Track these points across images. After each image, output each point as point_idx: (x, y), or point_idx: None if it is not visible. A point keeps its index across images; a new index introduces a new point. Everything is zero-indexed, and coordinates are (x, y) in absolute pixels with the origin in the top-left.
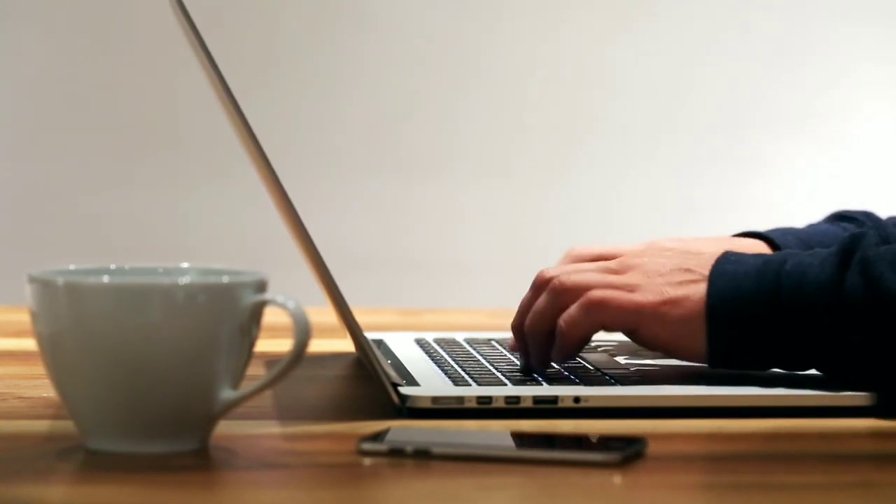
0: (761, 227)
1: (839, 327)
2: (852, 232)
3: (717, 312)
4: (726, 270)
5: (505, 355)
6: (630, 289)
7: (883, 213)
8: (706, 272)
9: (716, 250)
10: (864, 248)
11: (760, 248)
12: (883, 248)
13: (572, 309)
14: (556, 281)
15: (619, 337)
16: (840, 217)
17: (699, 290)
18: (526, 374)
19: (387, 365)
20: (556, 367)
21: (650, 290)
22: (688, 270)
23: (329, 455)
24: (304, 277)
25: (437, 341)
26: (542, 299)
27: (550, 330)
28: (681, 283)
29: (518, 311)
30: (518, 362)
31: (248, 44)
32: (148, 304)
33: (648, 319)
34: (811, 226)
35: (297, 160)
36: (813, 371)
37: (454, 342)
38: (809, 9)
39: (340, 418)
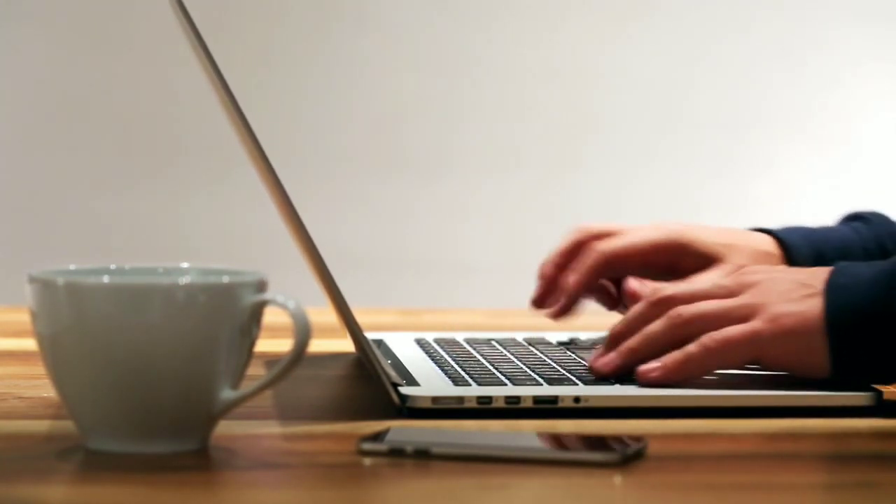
0: (764, 225)
1: None
2: None
3: (837, 328)
4: (841, 284)
5: (505, 355)
6: (746, 314)
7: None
8: (821, 286)
9: (756, 250)
10: None
11: (768, 243)
12: None
13: (692, 348)
14: (674, 312)
15: None
16: (852, 217)
17: (815, 305)
18: (595, 375)
19: (387, 365)
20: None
21: (767, 311)
22: (805, 285)
23: (329, 455)
24: (304, 277)
25: (437, 341)
26: (658, 325)
27: (656, 356)
28: (797, 300)
29: (626, 321)
30: (593, 367)
31: (248, 44)
32: (148, 304)
33: (767, 345)
34: (821, 226)
35: (298, 160)
36: None
37: (454, 342)
38: (812, 9)
39: (340, 418)
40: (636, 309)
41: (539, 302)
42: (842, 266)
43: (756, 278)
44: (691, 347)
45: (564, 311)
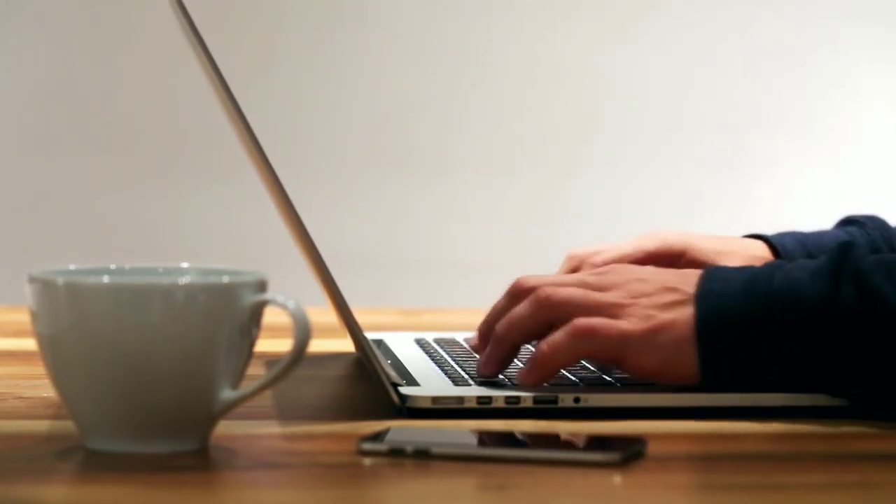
0: (765, 227)
1: (836, 342)
2: (840, 241)
3: (708, 336)
4: (713, 290)
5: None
6: (615, 312)
7: (888, 213)
8: (692, 291)
9: (691, 276)
10: (855, 260)
11: (762, 250)
12: (873, 257)
13: (558, 334)
14: (541, 291)
15: None
16: (847, 221)
17: (686, 312)
18: (479, 377)
19: (387, 365)
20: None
21: (636, 313)
22: (673, 290)
23: (329, 455)
24: (304, 277)
25: (437, 341)
26: (523, 307)
27: (524, 340)
28: (666, 306)
29: (490, 314)
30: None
31: (249, 44)
32: (148, 304)
33: (635, 348)
34: (816, 230)
35: (298, 160)
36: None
37: (454, 342)
38: (812, 9)
39: (340, 418)
40: (499, 301)
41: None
42: (712, 271)
43: (623, 278)
44: (557, 336)
45: None
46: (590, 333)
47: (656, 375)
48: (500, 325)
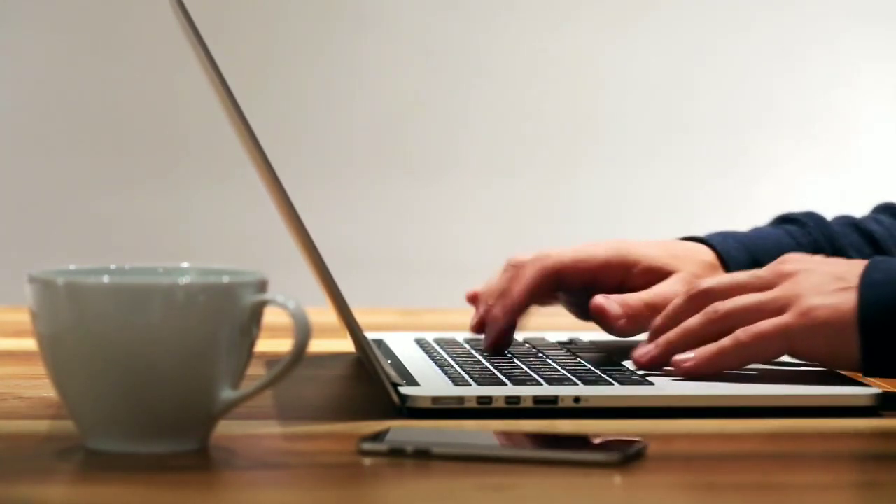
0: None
1: None
2: None
3: (869, 322)
4: (875, 280)
5: (505, 355)
6: (780, 307)
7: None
8: (855, 280)
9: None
10: None
11: (704, 252)
12: None
13: (726, 342)
14: (711, 309)
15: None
16: (783, 220)
17: (850, 298)
18: (636, 367)
19: (387, 365)
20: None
21: (799, 304)
22: (840, 278)
23: (329, 455)
24: (304, 277)
25: (437, 341)
26: (696, 320)
27: (690, 348)
28: (833, 292)
29: (666, 315)
30: (639, 360)
31: (249, 44)
32: (148, 304)
33: (798, 338)
34: (755, 229)
35: (298, 160)
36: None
37: (454, 342)
38: (812, 9)
39: (340, 418)
40: (676, 303)
41: (479, 327)
42: (877, 261)
43: (793, 268)
44: (725, 341)
45: (506, 329)
46: (755, 341)
47: (823, 360)
48: (673, 333)
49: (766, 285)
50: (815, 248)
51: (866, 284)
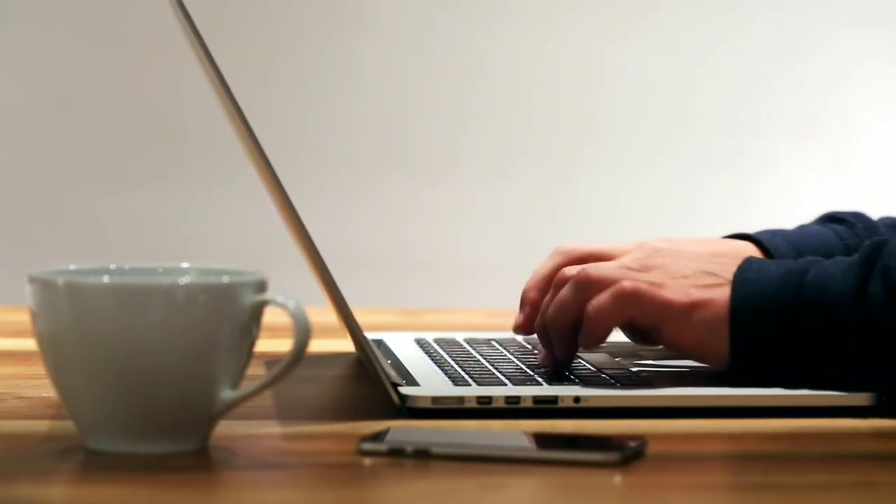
0: (763, 227)
1: (861, 338)
2: (874, 239)
3: (741, 319)
4: (749, 278)
5: (505, 355)
6: (658, 286)
7: (888, 213)
8: (729, 277)
9: (733, 253)
10: (885, 257)
11: (750, 250)
12: None
13: (603, 296)
14: (581, 274)
15: (620, 337)
16: (831, 218)
17: (723, 294)
18: (555, 374)
19: (387, 365)
20: (585, 360)
21: (677, 289)
22: (711, 274)
23: (329, 455)
24: (304, 277)
25: (437, 341)
26: (565, 291)
27: (575, 322)
28: (706, 286)
29: (540, 313)
30: (538, 364)
31: (249, 44)
32: (148, 304)
33: (675, 318)
34: (801, 227)
35: (298, 160)
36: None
37: (454, 342)
38: (813, 9)
39: (340, 418)
40: (545, 299)
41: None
42: (751, 260)
43: (661, 262)
44: (602, 297)
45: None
46: (634, 295)
47: (689, 351)
48: (550, 314)
49: (636, 270)
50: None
51: (739, 282)
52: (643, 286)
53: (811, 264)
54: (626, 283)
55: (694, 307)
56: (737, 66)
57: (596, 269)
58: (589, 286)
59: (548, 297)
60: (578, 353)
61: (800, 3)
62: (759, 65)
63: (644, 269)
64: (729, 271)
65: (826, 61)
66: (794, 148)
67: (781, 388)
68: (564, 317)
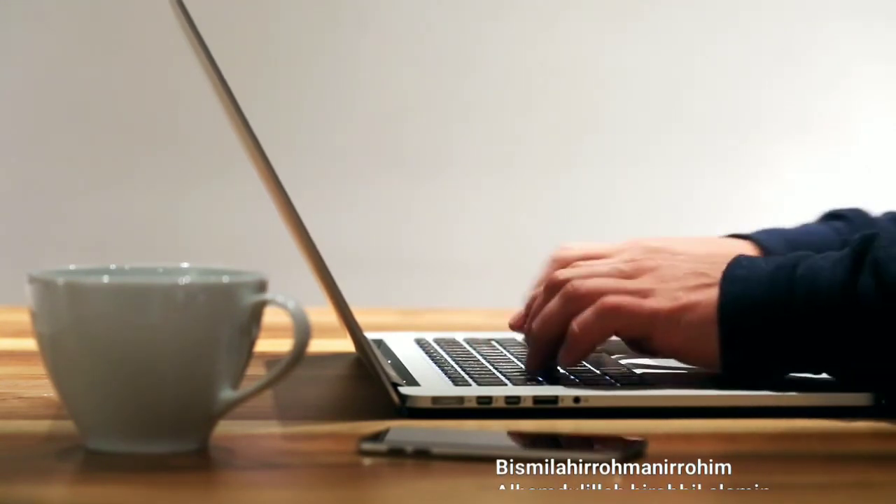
0: (759, 227)
1: (853, 331)
2: (863, 233)
3: (730, 318)
4: (738, 275)
5: (505, 355)
6: (644, 294)
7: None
8: (718, 276)
9: (727, 253)
10: (875, 249)
11: (746, 249)
12: (894, 248)
13: (586, 313)
14: (569, 286)
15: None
16: (831, 216)
17: (712, 294)
18: (529, 376)
19: (387, 365)
20: (561, 370)
21: (664, 295)
22: (702, 274)
23: (329, 455)
24: (304, 277)
25: (437, 341)
26: (554, 303)
27: (558, 335)
28: (695, 288)
29: (530, 314)
30: (523, 365)
31: (248, 44)
32: (148, 304)
33: (662, 326)
34: (803, 225)
35: (297, 160)
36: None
37: (454, 342)
38: (810, 9)
39: (340, 418)
40: (537, 300)
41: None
42: (741, 258)
43: (654, 264)
44: (586, 314)
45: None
46: (616, 311)
47: (680, 354)
48: (535, 324)
49: (627, 277)
50: None
51: (728, 280)
52: (625, 300)
53: (802, 259)
54: (609, 299)
55: (682, 311)
56: (733, 65)
57: (583, 281)
58: (576, 300)
59: (537, 302)
60: None
61: (799, 3)
62: (755, 63)
63: (635, 272)
64: (720, 271)
65: (823, 60)
66: (791, 147)
67: (774, 384)
68: (549, 330)
